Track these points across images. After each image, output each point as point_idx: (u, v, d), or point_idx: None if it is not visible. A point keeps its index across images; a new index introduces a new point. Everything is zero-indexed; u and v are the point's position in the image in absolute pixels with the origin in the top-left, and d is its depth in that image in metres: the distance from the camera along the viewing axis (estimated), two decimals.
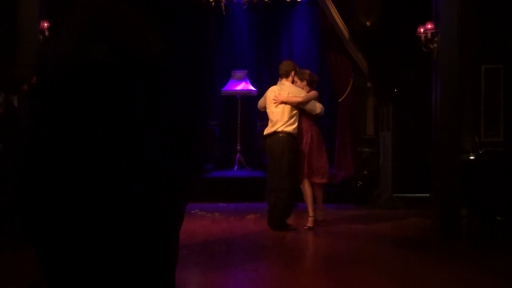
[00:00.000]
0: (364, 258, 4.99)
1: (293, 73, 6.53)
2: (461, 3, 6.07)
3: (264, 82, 10.66)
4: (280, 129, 6.29)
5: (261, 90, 10.20)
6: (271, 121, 6.41)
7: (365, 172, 8.73)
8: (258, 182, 8.45)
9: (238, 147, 9.99)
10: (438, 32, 6.12)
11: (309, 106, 6.42)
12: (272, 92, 6.50)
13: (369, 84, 9.12)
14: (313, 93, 6.49)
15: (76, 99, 1.42)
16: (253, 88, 10.03)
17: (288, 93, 6.36)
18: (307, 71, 6.77)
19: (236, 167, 9.88)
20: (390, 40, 8.61)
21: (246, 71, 10.21)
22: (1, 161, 5.60)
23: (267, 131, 6.46)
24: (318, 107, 6.48)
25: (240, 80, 10.08)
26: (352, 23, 8.57)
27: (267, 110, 6.50)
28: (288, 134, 6.27)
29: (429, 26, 6.25)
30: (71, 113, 1.43)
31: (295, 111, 6.33)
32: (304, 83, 6.53)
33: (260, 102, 6.73)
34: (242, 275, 4.42)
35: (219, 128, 10.17)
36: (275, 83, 6.87)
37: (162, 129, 1.50)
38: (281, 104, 6.35)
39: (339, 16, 8.65)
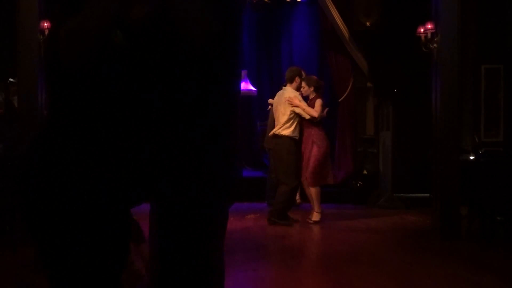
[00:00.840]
0: (364, 258, 4.99)
1: (297, 78, 6.73)
2: (461, 3, 6.07)
3: (264, 82, 10.67)
4: (277, 132, 6.61)
5: (261, 90, 10.23)
6: (275, 124, 6.76)
7: (365, 172, 8.73)
8: (258, 182, 8.47)
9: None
10: (438, 32, 6.12)
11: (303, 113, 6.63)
12: (277, 97, 6.86)
13: (369, 84, 9.12)
14: (319, 102, 6.62)
15: (100, 87, 1.31)
16: (253, 88, 10.03)
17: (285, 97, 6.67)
18: (314, 77, 7.05)
19: None
20: (390, 40, 8.61)
21: (246, 71, 10.21)
22: (1, 161, 5.60)
23: (271, 133, 6.78)
24: (312, 112, 6.58)
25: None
26: (352, 23, 8.57)
27: (273, 113, 6.90)
28: (287, 137, 6.54)
29: (429, 26, 6.25)
30: (92, 102, 1.32)
31: (291, 115, 6.56)
32: (312, 88, 6.75)
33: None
34: (242, 275, 4.41)
35: None
36: (275, 83, 7.03)
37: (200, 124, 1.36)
38: (282, 107, 6.63)
39: (339, 16, 8.65)
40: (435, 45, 6.14)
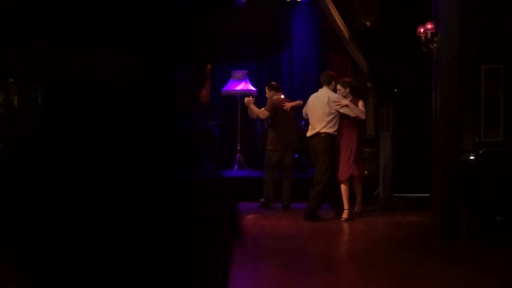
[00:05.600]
0: (364, 258, 4.99)
1: (333, 82, 7.18)
2: (461, 3, 6.07)
3: (264, 82, 10.63)
4: (322, 131, 6.97)
5: (261, 90, 10.22)
6: (311, 124, 7.09)
7: (365, 172, 8.73)
8: (258, 182, 8.45)
9: (238, 147, 9.99)
10: (438, 32, 6.11)
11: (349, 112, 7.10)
12: (313, 98, 7.17)
13: (369, 84, 9.11)
14: (362, 102, 7.17)
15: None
16: (253, 88, 10.03)
17: (329, 98, 6.98)
18: (348, 80, 7.56)
19: (236, 167, 9.88)
20: (390, 40, 8.61)
21: (246, 71, 10.21)
22: (1, 161, 5.60)
23: (309, 133, 7.13)
24: (357, 112, 7.07)
25: (240, 80, 10.08)
26: (352, 23, 8.57)
27: (308, 114, 7.18)
28: (329, 134, 6.97)
29: (429, 26, 6.24)
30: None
31: (334, 115, 6.99)
32: (347, 90, 7.17)
33: (303, 110, 7.36)
34: (242, 275, 4.41)
35: (219, 128, 10.17)
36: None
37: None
38: (327, 107, 6.99)
39: (339, 16, 8.65)
40: (435, 45, 6.14)
